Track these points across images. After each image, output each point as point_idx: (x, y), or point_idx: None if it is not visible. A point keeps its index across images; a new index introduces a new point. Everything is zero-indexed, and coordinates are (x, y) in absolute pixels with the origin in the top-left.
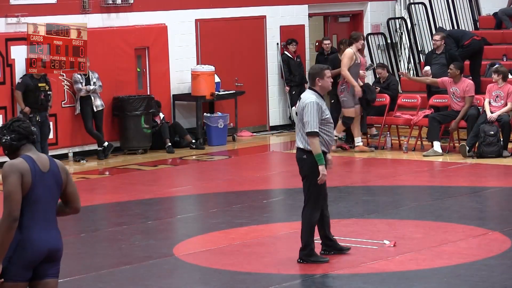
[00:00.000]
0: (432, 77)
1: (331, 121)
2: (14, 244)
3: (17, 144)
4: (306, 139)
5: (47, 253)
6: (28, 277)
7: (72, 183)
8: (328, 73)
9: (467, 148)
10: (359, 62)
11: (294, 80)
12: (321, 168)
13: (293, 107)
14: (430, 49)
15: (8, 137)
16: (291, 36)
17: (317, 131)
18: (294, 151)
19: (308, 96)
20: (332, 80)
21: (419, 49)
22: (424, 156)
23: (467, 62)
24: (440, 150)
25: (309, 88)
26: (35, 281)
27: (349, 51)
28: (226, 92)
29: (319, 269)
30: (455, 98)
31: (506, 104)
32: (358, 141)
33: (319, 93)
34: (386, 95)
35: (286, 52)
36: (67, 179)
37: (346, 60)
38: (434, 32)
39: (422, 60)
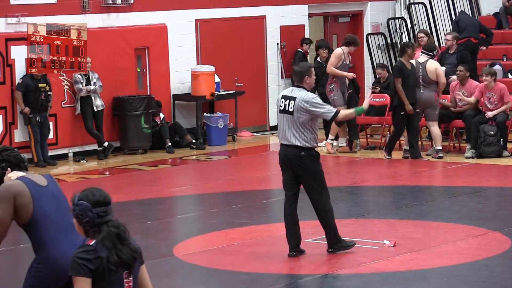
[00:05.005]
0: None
1: None
2: (38, 265)
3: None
4: (302, 136)
5: None
6: None
7: None
8: (313, 71)
9: (471, 150)
10: (347, 63)
11: None
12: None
13: None
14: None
15: None
16: (291, 36)
17: (336, 110)
18: None
19: (305, 93)
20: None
21: None
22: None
23: None
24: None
25: (297, 86)
26: None
27: (339, 50)
28: (226, 92)
29: (319, 269)
30: (461, 101)
31: (502, 104)
32: (333, 140)
33: (307, 89)
34: (386, 95)
35: (300, 50)
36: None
37: (334, 60)
38: (434, 32)
39: None
